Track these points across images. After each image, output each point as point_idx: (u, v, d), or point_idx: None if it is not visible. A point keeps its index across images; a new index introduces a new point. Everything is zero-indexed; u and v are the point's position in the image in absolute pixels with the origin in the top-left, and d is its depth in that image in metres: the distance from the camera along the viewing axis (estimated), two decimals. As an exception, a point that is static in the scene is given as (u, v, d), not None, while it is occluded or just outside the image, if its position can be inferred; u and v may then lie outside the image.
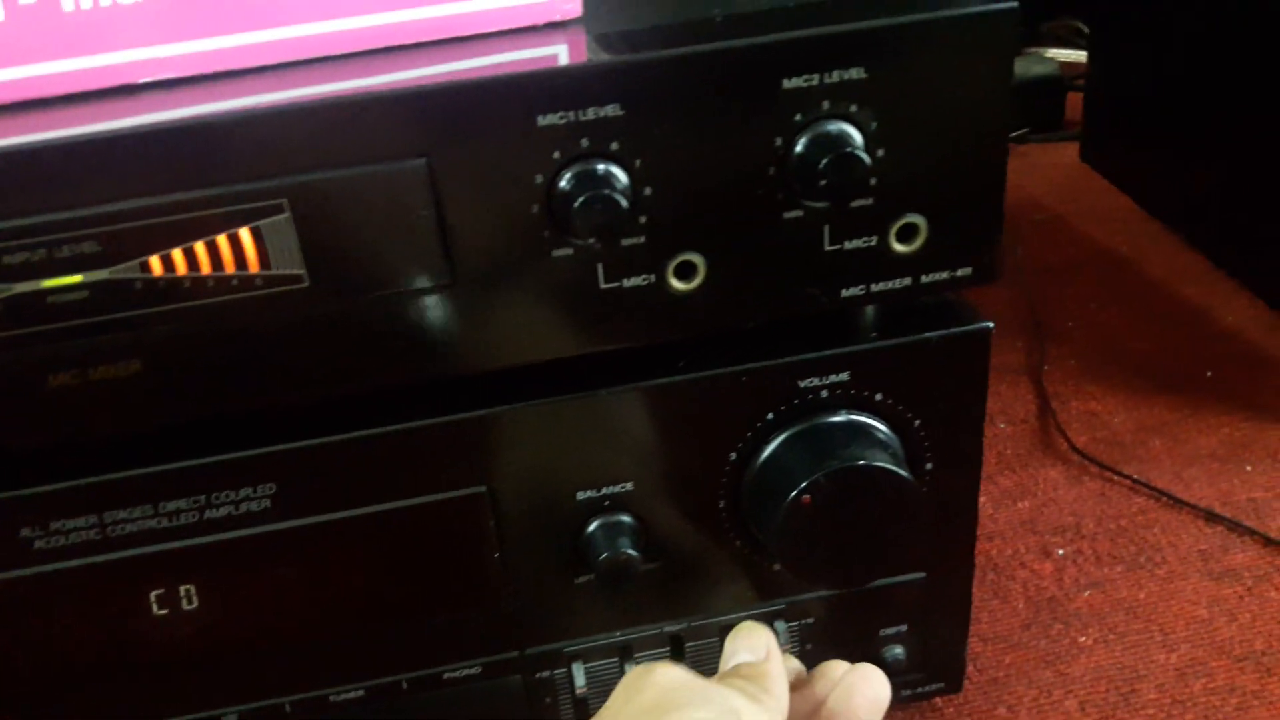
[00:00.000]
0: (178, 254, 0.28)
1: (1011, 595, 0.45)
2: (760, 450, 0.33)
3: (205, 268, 0.28)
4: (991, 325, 0.32)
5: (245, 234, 0.28)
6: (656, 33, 0.30)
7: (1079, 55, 0.93)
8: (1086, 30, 0.99)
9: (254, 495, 0.32)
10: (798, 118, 0.28)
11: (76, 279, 0.27)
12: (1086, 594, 0.44)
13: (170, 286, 0.28)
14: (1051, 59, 0.91)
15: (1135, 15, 0.69)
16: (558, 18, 0.32)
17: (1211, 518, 0.48)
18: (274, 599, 0.33)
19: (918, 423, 0.33)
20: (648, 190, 0.28)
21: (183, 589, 0.33)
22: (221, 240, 0.28)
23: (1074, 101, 0.84)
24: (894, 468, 0.31)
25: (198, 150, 0.27)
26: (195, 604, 0.33)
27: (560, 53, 0.30)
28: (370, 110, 0.27)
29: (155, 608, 0.33)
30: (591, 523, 0.33)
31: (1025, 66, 0.85)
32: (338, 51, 0.30)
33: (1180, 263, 0.66)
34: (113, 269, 0.28)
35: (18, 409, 0.29)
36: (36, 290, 0.27)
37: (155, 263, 0.28)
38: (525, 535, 0.33)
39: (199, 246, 0.28)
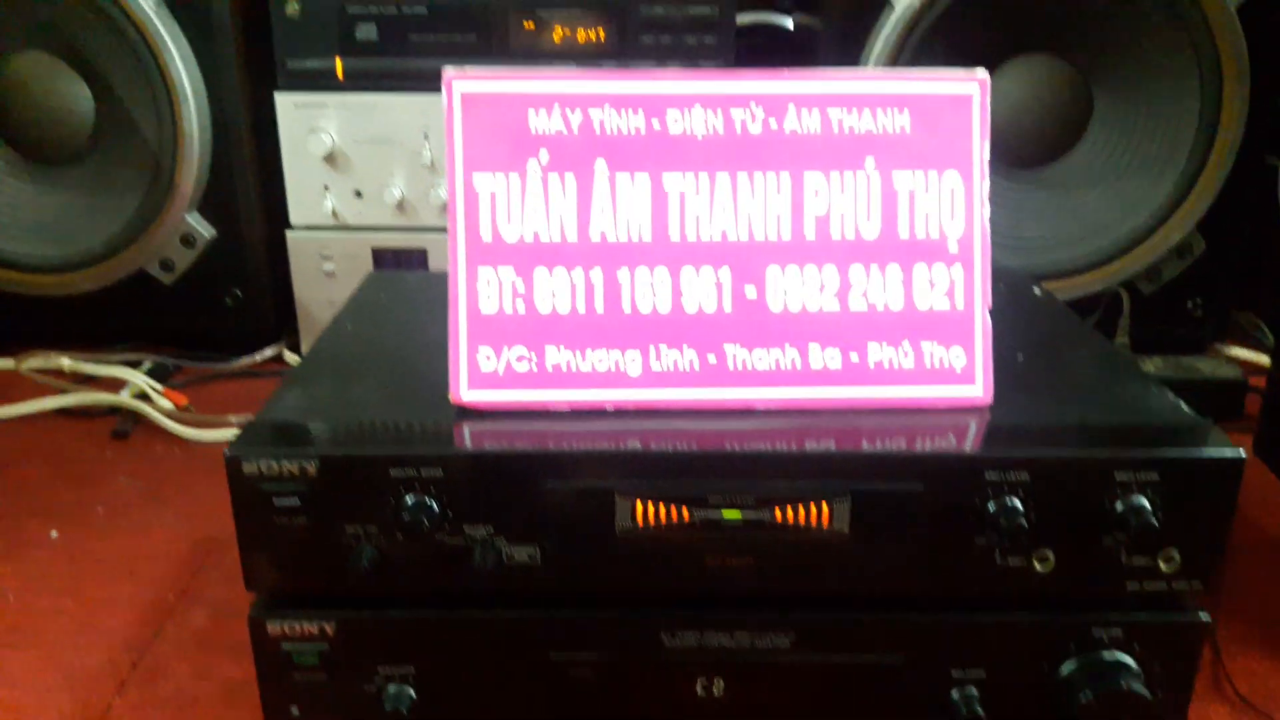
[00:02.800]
0: (789, 509, 0.55)
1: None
2: (1062, 666, 0.58)
3: (800, 520, 0.55)
4: (1207, 619, 0.57)
5: (825, 508, 0.55)
6: (1046, 434, 0.56)
7: (1261, 357, 1.16)
8: (1268, 330, 1.23)
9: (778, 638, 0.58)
10: (1117, 492, 0.54)
11: (737, 514, 0.55)
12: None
13: (780, 525, 0.55)
14: (1234, 361, 1.14)
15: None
16: (975, 405, 0.58)
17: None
18: (769, 699, 0.59)
19: (1156, 667, 0.58)
20: (1033, 518, 0.55)
21: (717, 680, 0.59)
22: (812, 508, 0.55)
23: (1253, 398, 1.05)
24: (1144, 692, 0.56)
25: (812, 465, 0.54)
26: (721, 693, 0.59)
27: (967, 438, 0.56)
28: (891, 459, 0.54)
29: (699, 690, 0.60)
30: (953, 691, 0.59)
31: (1211, 368, 1.07)
32: (830, 408, 0.57)
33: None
34: (755, 511, 0.55)
35: (686, 572, 0.56)
36: (719, 518, 0.55)
37: (778, 513, 0.55)
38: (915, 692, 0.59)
39: (800, 509, 0.55)
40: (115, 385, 1.15)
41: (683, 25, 1.02)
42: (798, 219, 0.56)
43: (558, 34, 1.03)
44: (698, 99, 0.56)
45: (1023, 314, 0.71)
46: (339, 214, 1.10)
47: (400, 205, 1.09)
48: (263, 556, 0.56)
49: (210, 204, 1.11)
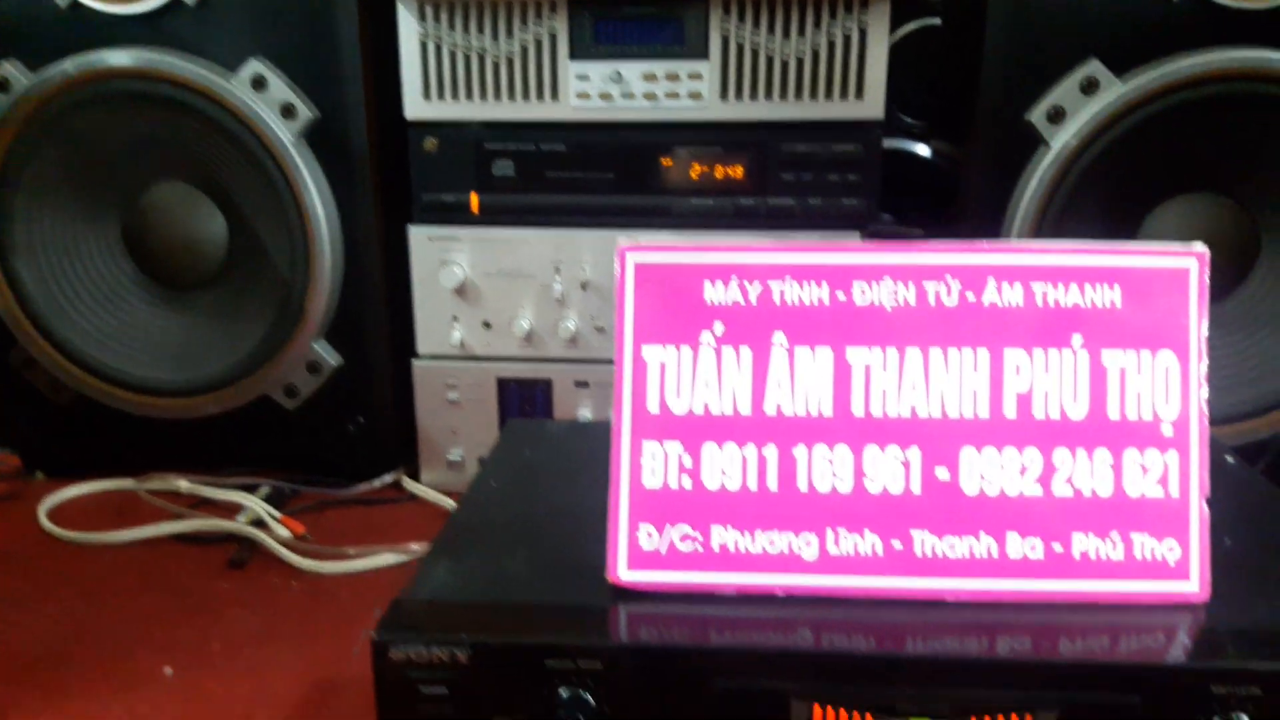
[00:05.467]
0: (987, 720, 0.49)
1: None
2: None
3: (998, 731, 0.49)
4: None
5: (1028, 718, 0.49)
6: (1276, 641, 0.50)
7: None
8: None
9: None
10: None
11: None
12: None
13: (975, 736, 0.50)
14: None
15: None
16: (1190, 602, 0.53)
17: None
18: None
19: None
20: None
21: None
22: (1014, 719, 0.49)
23: None
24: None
25: (1014, 671, 0.49)
26: None
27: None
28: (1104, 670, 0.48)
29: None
30: None
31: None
32: (1030, 601, 0.52)
33: None
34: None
35: None
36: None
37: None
38: None
39: (999, 718, 0.49)
40: (232, 510, 1.14)
41: (825, 162, 0.99)
42: (997, 397, 0.52)
43: (695, 171, 1.01)
44: (887, 271, 0.52)
45: (1220, 490, 0.65)
46: (466, 344, 1.09)
47: (528, 337, 1.07)
48: (407, 746, 0.52)
49: (338, 332, 1.11)
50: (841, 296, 0.52)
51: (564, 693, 0.50)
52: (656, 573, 0.53)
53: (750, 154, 1.00)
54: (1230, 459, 0.72)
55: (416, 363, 1.11)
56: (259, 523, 1.11)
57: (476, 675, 0.50)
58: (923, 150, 1.24)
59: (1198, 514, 0.52)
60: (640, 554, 0.53)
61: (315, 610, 0.98)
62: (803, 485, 0.53)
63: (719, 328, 0.53)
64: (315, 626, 0.95)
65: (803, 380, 0.53)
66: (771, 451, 0.53)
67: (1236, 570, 0.56)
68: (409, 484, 1.18)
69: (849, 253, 0.52)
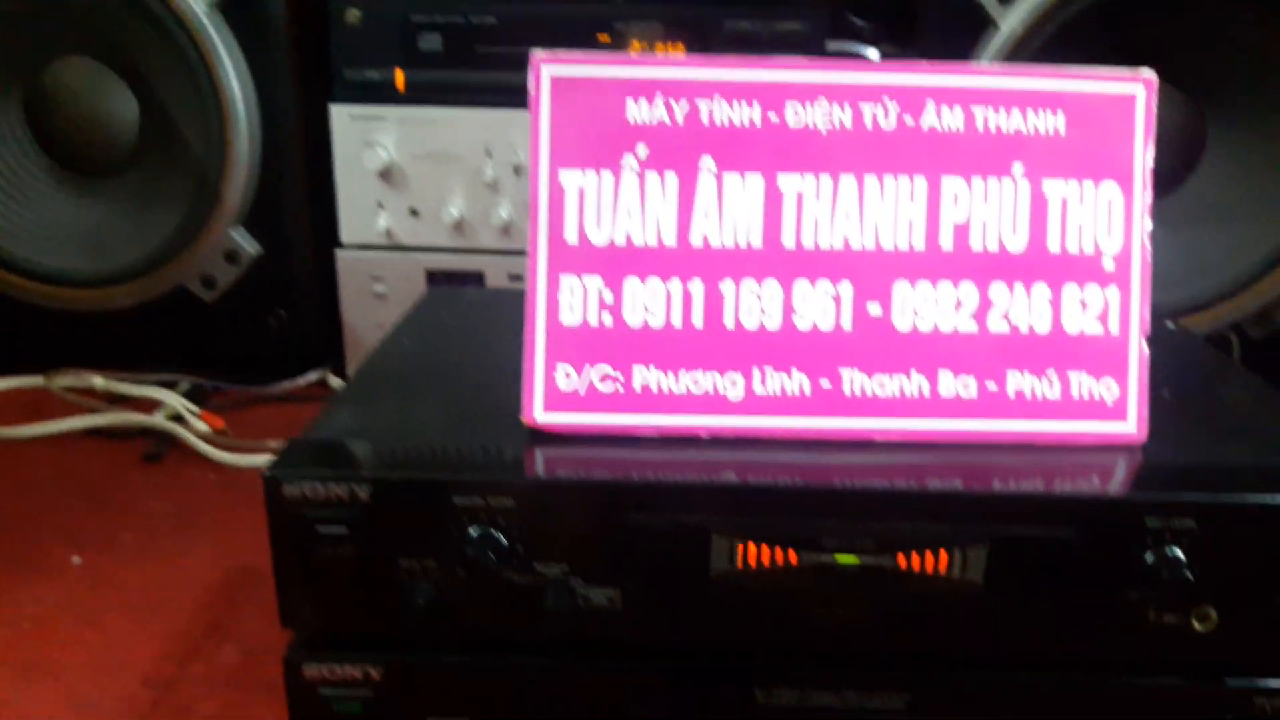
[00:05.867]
0: (915, 556, 0.47)
1: None
2: None
3: (927, 568, 0.47)
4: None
5: (958, 555, 0.47)
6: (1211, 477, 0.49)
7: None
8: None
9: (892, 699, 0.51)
10: None
11: (853, 559, 0.48)
12: None
13: (903, 573, 0.47)
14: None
15: None
16: (1127, 443, 0.51)
17: None
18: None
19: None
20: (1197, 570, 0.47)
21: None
22: (942, 555, 0.47)
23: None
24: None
25: (943, 506, 0.47)
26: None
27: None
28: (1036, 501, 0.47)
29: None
30: None
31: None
32: (962, 441, 0.50)
33: None
34: (875, 557, 0.47)
35: (789, 623, 0.49)
36: (831, 563, 0.48)
37: (901, 559, 0.47)
38: None
39: (927, 555, 0.47)
40: (149, 407, 1.09)
41: (769, 42, 0.96)
42: (933, 228, 0.49)
43: (634, 48, 0.98)
44: (822, 91, 0.49)
45: (1160, 348, 0.64)
46: (393, 233, 1.05)
47: (458, 226, 1.03)
48: (302, 591, 0.49)
49: (257, 219, 1.06)
50: (774, 118, 0.49)
51: (474, 531, 0.47)
52: (575, 414, 0.50)
53: (691, 30, 0.97)
54: (1170, 325, 0.71)
55: (340, 253, 1.07)
56: (177, 419, 1.07)
57: (378, 514, 0.47)
58: (872, 54, 1.21)
59: (1137, 353, 0.50)
60: (557, 395, 0.50)
61: (232, 502, 0.94)
62: (729, 322, 0.50)
63: (642, 151, 0.50)
64: (232, 516, 0.92)
65: (731, 209, 0.50)
66: (697, 286, 0.50)
67: (1175, 417, 0.54)
68: (335, 382, 1.14)
69: (782, 70, 0.49)
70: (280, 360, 1.12)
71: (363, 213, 1.04)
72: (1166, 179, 1.00)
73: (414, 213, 1.04)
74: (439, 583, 0.48)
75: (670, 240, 0.50)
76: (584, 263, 0.50)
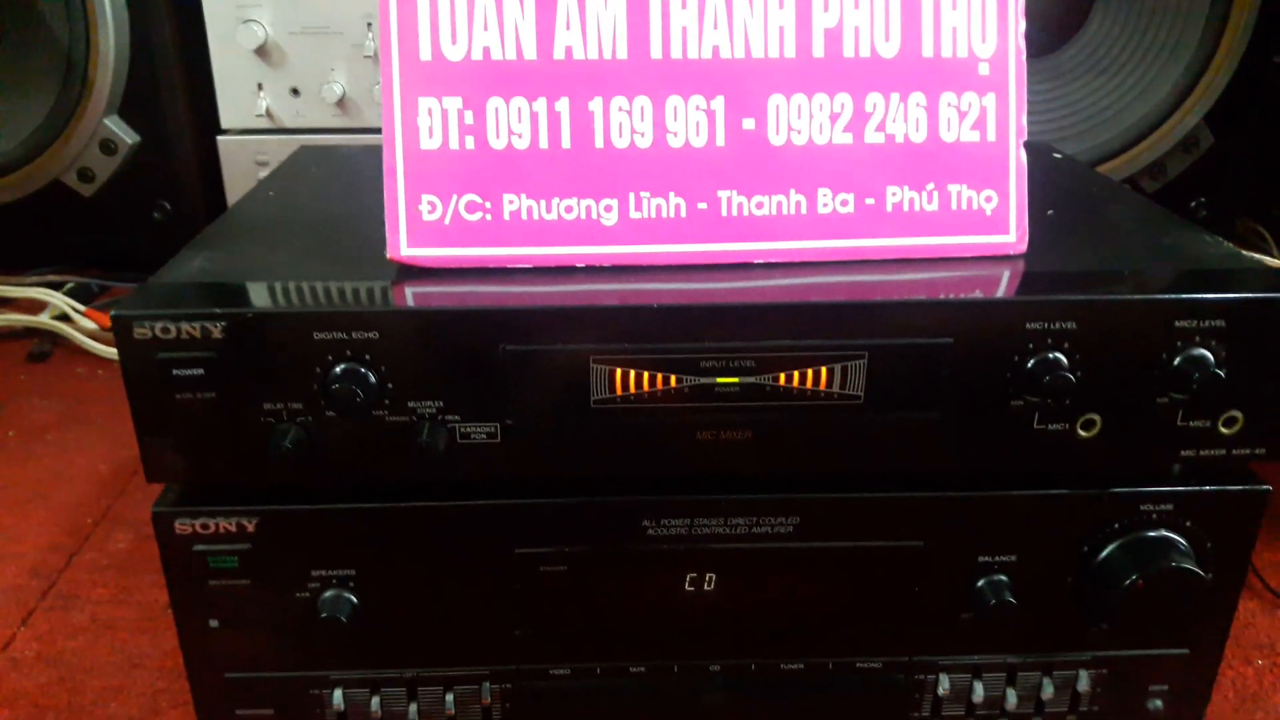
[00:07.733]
0: (795, 374, 0.46)
1: (1223, 687, 0.61)
2: (1104, 546, 0.50)
3: (807, 384, 0.46)
4: (1269, 489, 0.50)
5: (838, 370, 0.46)
6: (1093, 281, 0.48)
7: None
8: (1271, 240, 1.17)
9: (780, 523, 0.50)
10: (1177, 343, 0.46)
11: (733, 380, 0.46)
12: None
13: (784, 391, 0.47)
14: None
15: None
16: (1007, 254, 0.50)
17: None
18: (768, 593, 0.51)
19: (1209, 544, 0.50)
20: (1079, 374, 0.46)
21: (709, 574, 0.51)
22: (823, 371, 0.46)
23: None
24: (1198, 571, 0.48)
25: (821, 320, 0.46)
26: (713, 587, 0.51)
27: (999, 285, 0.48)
28: (914, 309, 0.46)
29: (688, 586, 0.51)
30: (980, 579, 0.51)
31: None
32: (842, 259, 0.49)
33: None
34: (755, 376, 0.46)
35: (673, 449, 0.48)
36: (712, 385, 0.46)
37: (781, 377, 0.46)
38: (938, 581, 0.51)
39: (807, 372, 0.46)
40: (35, 308, 1.05)
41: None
42: (804, 35, 0.48)
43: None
44: (682, -115, 0.47)
45: (1046, 174, 0.63)
46: (274, 114, 1.00)
47: (341, 103, 0.99)
48: (164, 441, 0.47)
49: (132, 107, 1.01)
50: (634, -80, 0.47)
51: (339, 368, 0.45)
52: (442, 248, 0.48)
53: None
54: (1057, 155, 0.70)
55: (221, 138, 1.02)
56: (63, 318, 1.03)
57: (235, 353, 0.45)
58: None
59: (1015, 161, 0.49)
60: (422, 227, 0.48)
61: (122, 397, 0.91)
62: (599, 142, 0.48)
63: (498, -43, 0.47)
64: (121, 410, 0.88)
65: (594, 18, 0.47)
66: (564, 105, 0.48)
67: (1058, 234, 0.53)
68: (227, 275, 1.10)
69: None
70: (166, 254, 1.07)
71: (242, 95, 1.00)
72: (1055, 35, 0.99)
73: (295, 92, 0.99)
74: (306, 426, 0.46)
75: (531, 54, 0.47)
76: (442, 83, 0.47)
